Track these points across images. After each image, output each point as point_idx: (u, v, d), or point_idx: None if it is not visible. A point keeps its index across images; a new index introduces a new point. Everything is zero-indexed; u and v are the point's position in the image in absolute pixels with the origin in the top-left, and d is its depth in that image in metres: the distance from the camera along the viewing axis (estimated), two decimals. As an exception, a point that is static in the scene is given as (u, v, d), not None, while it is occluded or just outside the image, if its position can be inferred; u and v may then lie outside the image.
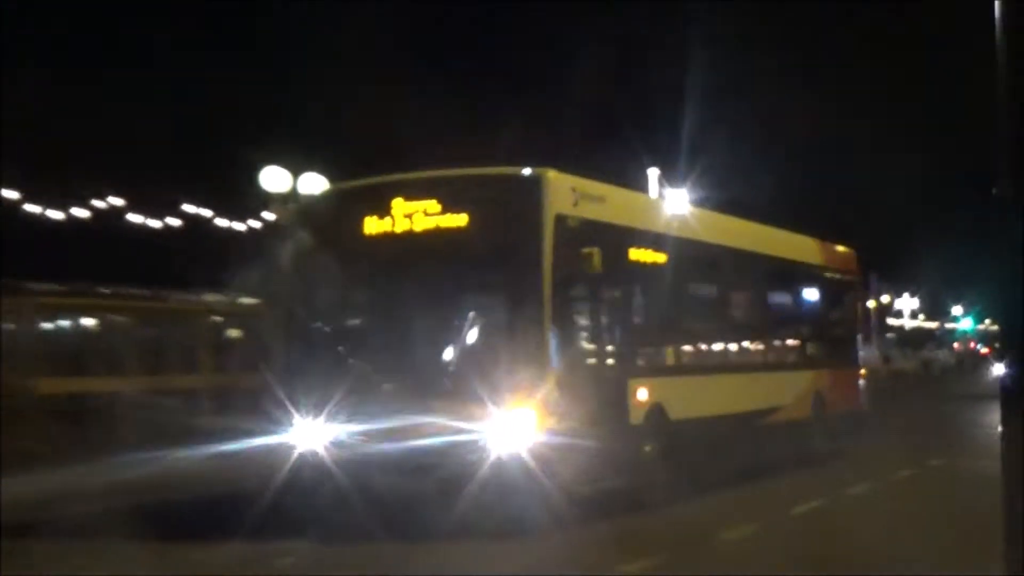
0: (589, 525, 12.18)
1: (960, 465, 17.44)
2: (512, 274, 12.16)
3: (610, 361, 13.21)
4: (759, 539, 11.97)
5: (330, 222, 12.99)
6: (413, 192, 12.49)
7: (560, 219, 12.06)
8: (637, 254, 13.90)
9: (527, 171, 12.24)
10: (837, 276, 21.00)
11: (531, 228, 11.92)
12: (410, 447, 11.84)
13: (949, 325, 68.81)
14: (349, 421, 12.17)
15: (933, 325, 77.49)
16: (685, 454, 14.12)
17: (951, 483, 15.70)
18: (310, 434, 12.31)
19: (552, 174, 12.20)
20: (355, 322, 13.17)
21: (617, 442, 12.86)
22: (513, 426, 11.65)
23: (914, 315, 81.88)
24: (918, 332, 77.83)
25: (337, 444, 12.20)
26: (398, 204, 12.42)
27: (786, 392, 17.64)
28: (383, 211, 12.47)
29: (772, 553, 11.13)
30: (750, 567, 10.59)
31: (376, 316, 12.94)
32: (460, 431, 11.75)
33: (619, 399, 13.10)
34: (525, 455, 11.61)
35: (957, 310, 63.13)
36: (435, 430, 11.81)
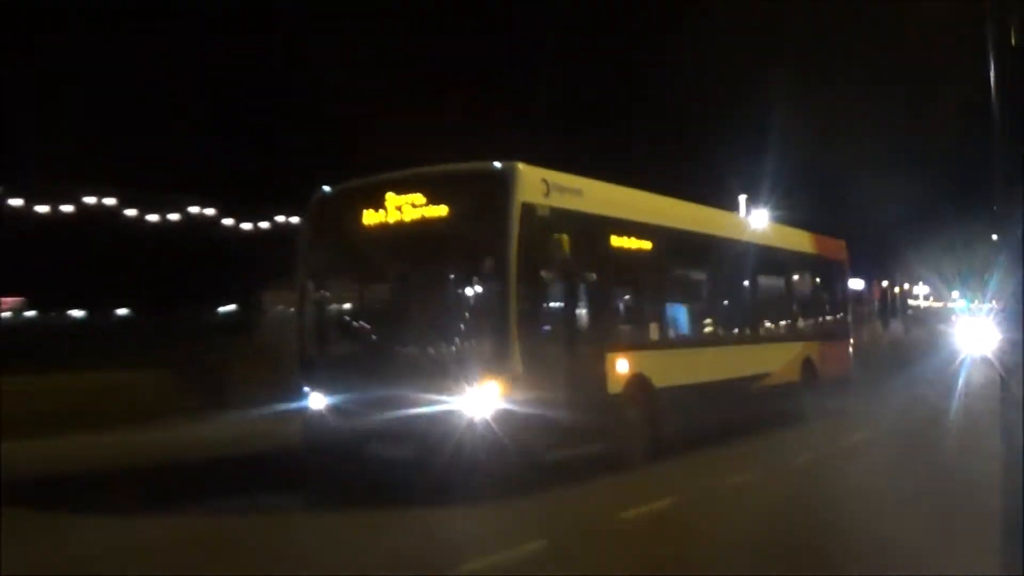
0: (561, 486, 9.32)
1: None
2: (483, 259, 9.28)
3: (585, 336, 10.08)
4: (702, 504, 8.87)
5: (334, 215, 10.25)
6: (403, 188, 9.72)
7: (528, 208, 9.15)
8: (618, 240, 10.79)
9: (498, 165, 9.25)
10: (826, 262, 16.97)
11: (499, 216, 9.04)
12: (396, 415, 9.01)
13: (950, 305, 64.44)
14: (347, 390, 9.50)
15: (939, 305, 72.57)
16: (671, 418, 10.98)
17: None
18: (317, 400, 9.69)
19: (521, 167, 9.27)
20: (353, 305, 10.30)
21: (596, 409, 9.85)
22: (483, 398, 8.84)
23: (926, 298, 78.24)
24: (928, 310, 73.49)
25: (337, 409, 9.53)
26: (389, 199, 9.72)
27: (776, 360, 14.06)
28: (376, 206, 9.76)
29: (722, 517, 8.25)
30: (681, 533, 7.69)
31: (370, 299, 10.17)
32: (438, 402, 8.92)
33: (596, 370, 10.04)
34: (494, 425, 8.79)
35: (955, 295, 59.51)
36: (417, 401, 8.97)
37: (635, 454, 10.40)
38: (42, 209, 46.21)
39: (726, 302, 13.44)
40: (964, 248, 45.06)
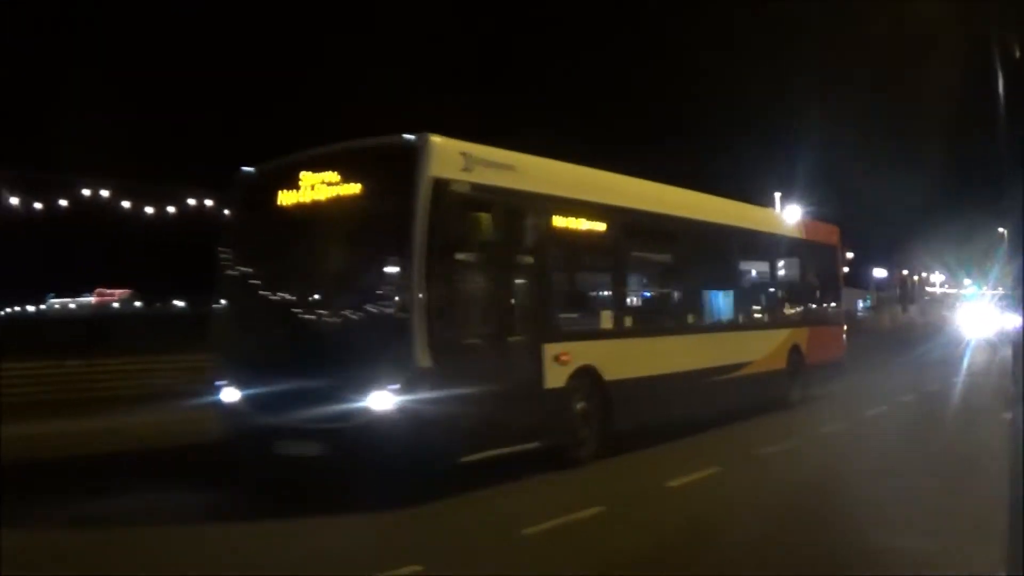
0: (476, 491, 7.19)
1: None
2: (390, 241, 7.14)
3: (514, 326, 7.84)
4: (635, 510, 6.73)
5: (252, 197, 8.14)
6: (316, 167, 7.63)
7: (441, 184, 7.01)
8: (561, 221, 8.48)
9: (408, 137, 7.10)
10: (815, 246, 13.99)
11: (406, 194, 6.92)
12: (302, 412, 6.97)
13: (963, 292, 60.70)
14: (256, 384, 7.39)
15: (954, 292, 68.30)
16: (628, 412, 8.69)
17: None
18: (229, 393, 7.61)
19: (434, 139, 7.13)
20: (268, 292, 8.04)
21: (529, 405, 7.65)
22: (386, 394, 6.73)
23: (942, 285, 73.87)
24: (944, 296, 69.18)
25: (247, 404, 7.47)
26: (304, 179, 7.63)
27: (758, 348, 11.52)
28: (291, 186, 7.69)
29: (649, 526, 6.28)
30: (605, 546, 5.71)
31: (284, 286, 7.96)
32: (343, 398, 6.84)
33: (528, 363, 7.79)
34: (400, 422, 6.69)
35: (967, 282, 56.22)
36: (322, 396, 6.89)
37: (582, 451, 8.22)
38: (148, 210, 45.68)
39: (697, 288, 10.88)
40: (976, 239, 42.83)
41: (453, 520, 6.48)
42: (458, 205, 7.08)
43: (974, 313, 31.48)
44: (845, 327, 14.49)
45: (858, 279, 71.70)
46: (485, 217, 7.30)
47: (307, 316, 7.47)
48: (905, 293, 76.11)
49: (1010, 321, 22.65)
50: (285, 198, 7.67)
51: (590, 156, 9.72)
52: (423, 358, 6.68)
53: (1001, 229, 41.45)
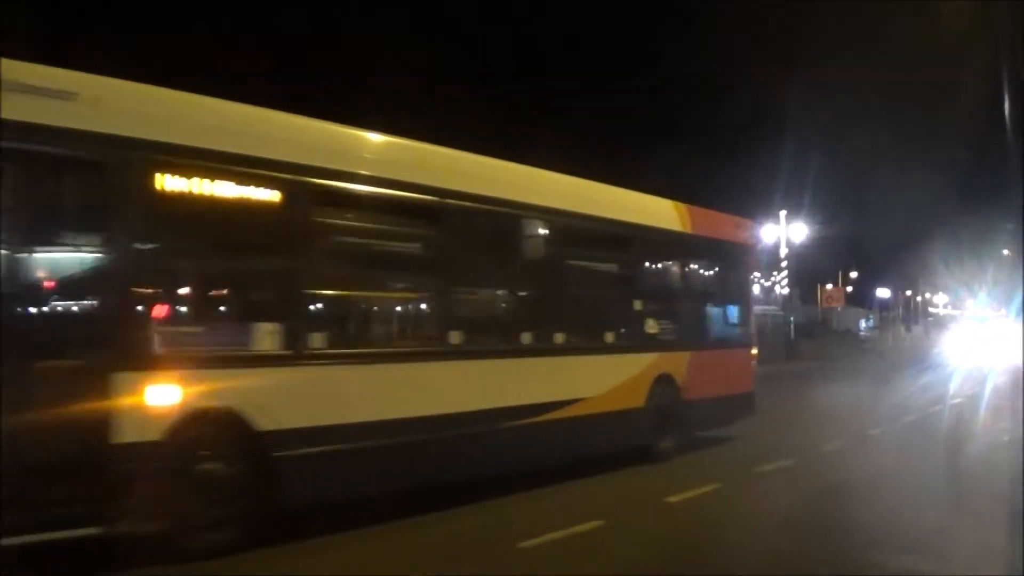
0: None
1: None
2: None
3: (53, 343, 4.68)
4: None
5: None
6: None
7: None
8: (177, 182, 5.14)
9: None
10: (706, 245, 9.92)
11: None
12: None
13: (965, 313, 57.99)
14: None
15: (957, 312, 65.13)
16: (313, 478, 5.52)
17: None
18: None
19: None
20: None
21: (81, 470, 4.52)
22: None
23: (945, 306, 70.19)
24: (947, 316, 65.67)
25: None
26: None
27: (595, 379, 8.02)
28: None
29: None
30: None
31: None
32: None
33: (82, 403, 4.56)
34: None
35: (969, 303, 53.45)
36: None
37: (212, 538, 5.02)
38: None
39: (470, 294, 7.32)
40: (980, 261, 40.95)
41: None
42: None
43: (968, 336, 27.14)
44: (754, 350, 10.84)
45: (862, 298, 67.66)
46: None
47: None
48: (908, 313, 72.05)
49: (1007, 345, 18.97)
50: None
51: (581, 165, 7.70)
52: None
53: (1006, 251, 38.80)
